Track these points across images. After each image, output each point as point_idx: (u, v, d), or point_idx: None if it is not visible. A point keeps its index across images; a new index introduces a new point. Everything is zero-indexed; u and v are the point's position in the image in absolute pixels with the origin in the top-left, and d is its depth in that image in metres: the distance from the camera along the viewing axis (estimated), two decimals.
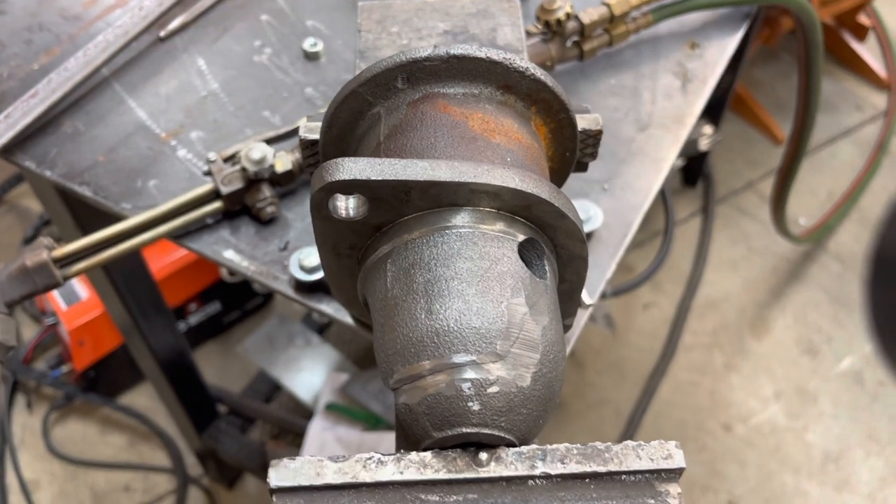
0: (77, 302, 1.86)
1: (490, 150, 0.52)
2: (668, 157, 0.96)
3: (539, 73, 0.54)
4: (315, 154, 0.60)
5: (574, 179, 0.93)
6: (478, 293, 0.46)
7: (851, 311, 2.19)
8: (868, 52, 2.61)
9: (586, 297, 0.77)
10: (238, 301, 2.11)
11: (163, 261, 1.87)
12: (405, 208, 0.49)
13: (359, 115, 0.56)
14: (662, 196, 2.12)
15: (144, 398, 2.04)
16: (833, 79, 2.65)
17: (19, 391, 2.05)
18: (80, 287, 1.88)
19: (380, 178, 0.46)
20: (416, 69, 0.54)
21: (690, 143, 2.18)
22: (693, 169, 2.39)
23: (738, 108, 2.51)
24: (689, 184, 2.43)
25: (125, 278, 1.33)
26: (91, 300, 1.84)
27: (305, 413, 1.85)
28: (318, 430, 1.75)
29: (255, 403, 1.91)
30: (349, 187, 0.47)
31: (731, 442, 2.01)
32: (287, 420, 1.86)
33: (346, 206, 0.48)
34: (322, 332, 2.03)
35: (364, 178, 0.46)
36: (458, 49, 0.53)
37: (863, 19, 2.53)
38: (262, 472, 1.76)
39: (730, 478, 1.95)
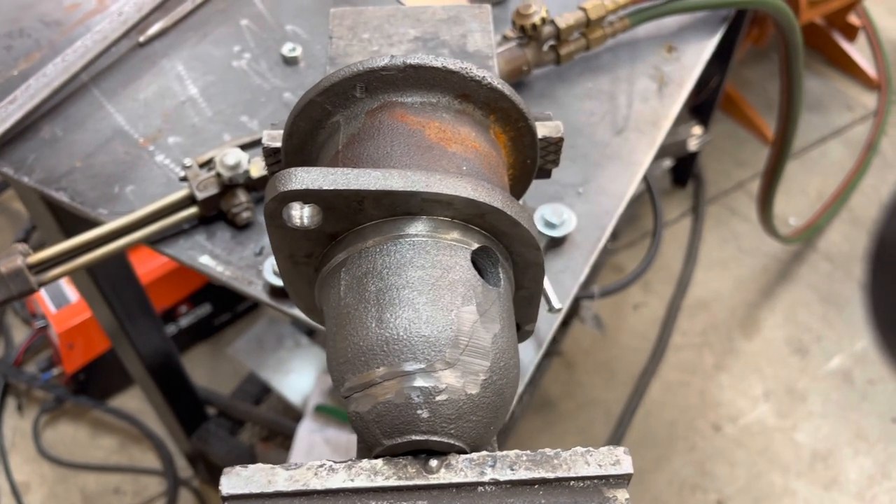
0: (66, 305, 1.86)
1: (446, 158, 0.52)
2: (644, 161, 0.96)
3: (496, 82, 0.55)
4: (278, 162, 0.60)
5: (549, 184, 0.93)
6: (428, 302, 0.46)
7: (841, 310, 2.20)
8: (858, 52, 2.61)
9: (556, 301, 0.78)
10: (228, 303, 2.11)
11: (153, 263, 1.87)
12: (359, 217, 0.49)
13: (318, 123, 0.56)
14: (651, 196, 2.12)
15: (135, 400, 2.04)
16: (823, 79, 2.66)
17: (10, 394, 2.06)
18: (70, 290, 1.88)
19: (332, 188, 0.47)
20: (373, 78, 0.54)
21: (680, 144, 2.19)
22: (683, 169, 2.39)
23: (727, 109, 2.52)
24: (680, 184, 2.44)
25: (111, 282, 1.33)
26: (81, 303, 1.85)
27: (295, 415, 1.86)
28: (307, 432, 1.75)
29: (245, 405, 1.92)
30: (302, 197, 0.47)
31: (720, 442, 2.01)
32: (276, 422, 1.86)
33: (301, 214, 0.49)
34: (311, 334, 2.04)
35: (316, 187, 0.47)
36: (415, 59, 0.53)
37: (853, 19, 2.53)
38: None
39: (719, 477, 1.96)
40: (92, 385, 1.99)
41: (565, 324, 2.01)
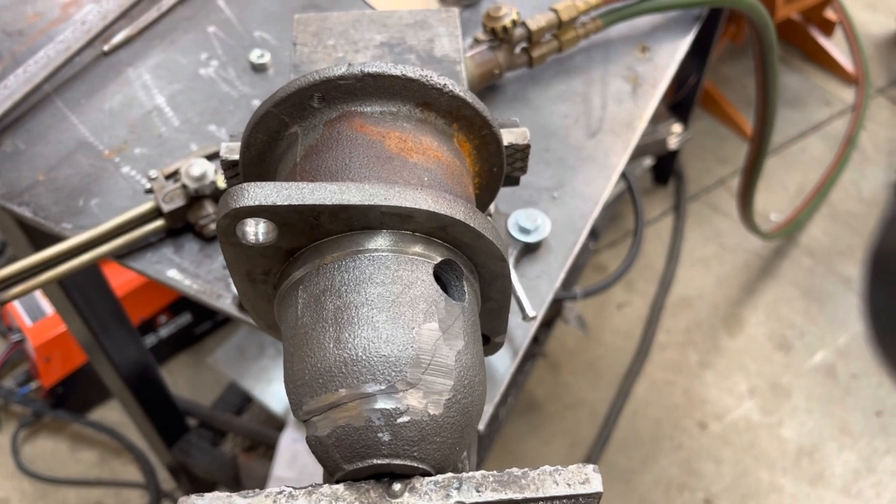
0: (43, 318, 1.83)
1: (406, 170, 0.51)
2: (619, 163, 0.95)
3: (458, 89, 0.53)
4: (237, 175, 0.59)
5: (522, 188, 0.92)
6: (388, 319, 0.45)
7: (823, 305, 2.20)
8: (835, 47, 2.62)
9: (530, 309, 0.76)
10: (209, 312, 2.09)
11: (130, 273, 1.83)
12: (317, 232, 0.47)
13: (276, 135, 0.55)
14: (632, 195, 2.12)
15: (115, 413, 2.01)
16: (801, 74, 2.66)
17: None
18: (46, 303, 1.85)
19: (286, 203, 0.45)
20: (330, 88, 0.52)
21: (660, 142, 2.18)
22: (664, 167, 2.39)
23: (707, 106, 2.52)
24: (661, 182, 2.43)
25: (83, 294, 1.31)
26: (57, 316, 1.82)
27: (277, 424, 1.83)
28: (290, 442, 1.73)
29: (226, 416, 1.89)
30: (255, 213, 0.46)
31: (706, 440, 2.01)
32: (258, 432, 1.84)
33: (255, 231, 0.47)
34: None
35: (269, 203, 0.45)
36: (373, 67, 0.52)
37: (829, 14, 2.54)
38: (236, 485, 1.74)
39: (706, 476, 1.95)
40: (70, 398, 1.96)
41: (549, 325, 2.00)
